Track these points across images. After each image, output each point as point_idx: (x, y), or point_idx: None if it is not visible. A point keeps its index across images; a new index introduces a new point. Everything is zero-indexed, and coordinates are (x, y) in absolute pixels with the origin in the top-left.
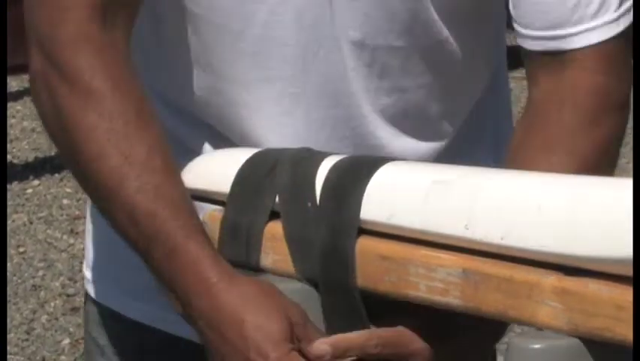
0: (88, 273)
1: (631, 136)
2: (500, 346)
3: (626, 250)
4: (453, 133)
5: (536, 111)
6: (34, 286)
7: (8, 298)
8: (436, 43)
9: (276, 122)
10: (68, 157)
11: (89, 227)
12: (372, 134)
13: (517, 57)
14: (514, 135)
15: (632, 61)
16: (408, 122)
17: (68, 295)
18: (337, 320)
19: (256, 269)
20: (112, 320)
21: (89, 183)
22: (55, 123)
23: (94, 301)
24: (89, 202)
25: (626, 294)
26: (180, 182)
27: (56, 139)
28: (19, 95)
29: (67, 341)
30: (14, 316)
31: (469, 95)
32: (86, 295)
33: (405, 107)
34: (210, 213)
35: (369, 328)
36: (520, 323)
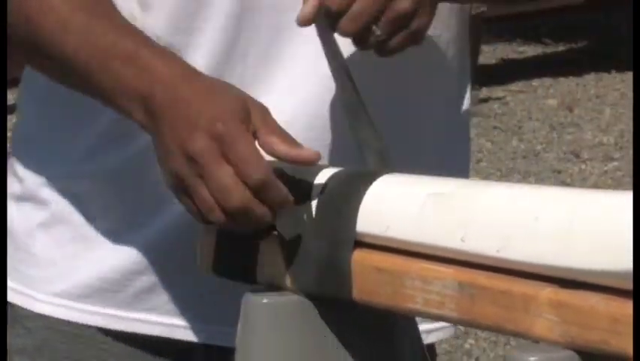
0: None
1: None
2: (497, 360)
3: (625, 263)
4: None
5: None
6: None
7: None
8: None
9: None
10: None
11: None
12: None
13: (515, 70)
14: None
15: None
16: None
17: None
18: (335, 332)
19: (252, 282)
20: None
21: (38, 20)
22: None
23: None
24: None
25: (623, 307)
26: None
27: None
28: (15, 108)
29: None
30: None
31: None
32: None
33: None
34: (205, 225)
35: (368, 342)
36: (517, 335)
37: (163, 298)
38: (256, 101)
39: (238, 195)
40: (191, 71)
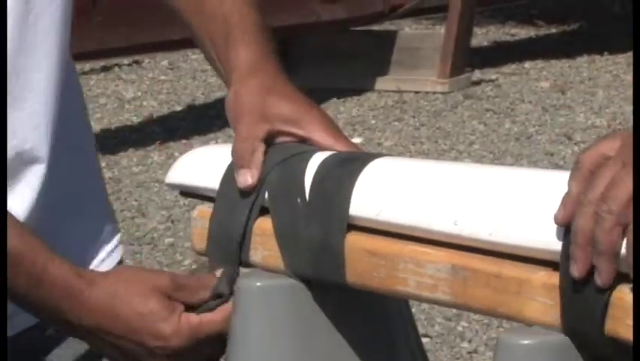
0: None
1: None
2: (490, 342)
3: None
4: None
5: None
6: None
7: None
8: None
9: None
10: None
11: None
12: None
13: (507, 52)
14: None
15: None
16: None
17: None
18: (329, 316)
19: (246, 265)
20: None
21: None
22: None
23: None
24: None
25: (616, 290)
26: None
27: None
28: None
29: None
30: None
31: None
32: None
33: None
34: (200, 210)
35: (361, 324)
36: (509, 318)
37: None
38: (159, 277)
39: None
40: (88, 281)
